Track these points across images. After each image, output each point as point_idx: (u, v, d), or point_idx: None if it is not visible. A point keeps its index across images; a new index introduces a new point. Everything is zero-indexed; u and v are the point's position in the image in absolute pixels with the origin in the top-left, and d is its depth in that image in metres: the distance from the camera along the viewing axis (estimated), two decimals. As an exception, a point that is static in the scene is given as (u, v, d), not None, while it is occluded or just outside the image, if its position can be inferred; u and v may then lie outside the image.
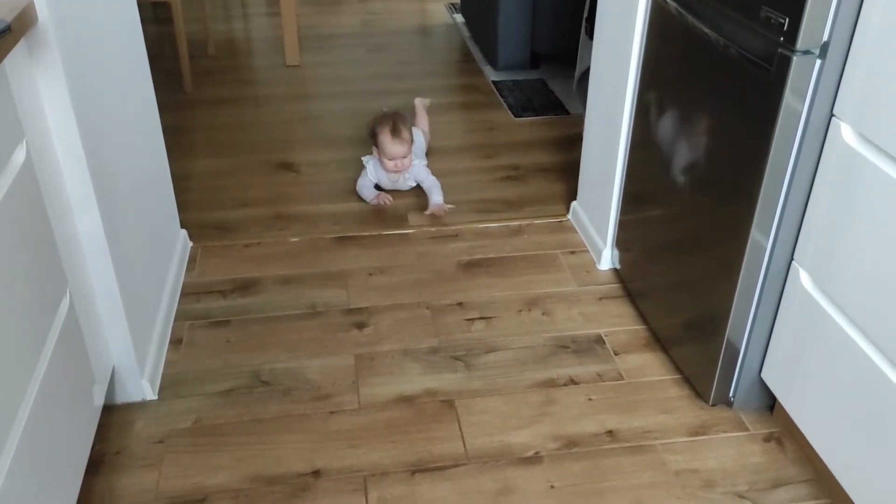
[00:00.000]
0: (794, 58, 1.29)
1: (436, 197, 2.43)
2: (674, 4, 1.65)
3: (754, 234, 1.46)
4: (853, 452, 1.36)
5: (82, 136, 1.39)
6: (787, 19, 1.28)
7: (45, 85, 1.32)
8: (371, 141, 2.50)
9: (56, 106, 1.34)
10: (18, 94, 1.24)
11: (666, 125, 1.75)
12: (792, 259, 1.48)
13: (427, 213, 2.40)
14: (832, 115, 1.33)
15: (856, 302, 1.31)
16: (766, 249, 1.48)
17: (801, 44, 1.27)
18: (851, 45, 1.26)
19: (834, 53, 1.27)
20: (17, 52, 1.24)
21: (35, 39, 1.28)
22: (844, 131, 1.30)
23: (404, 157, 2.44)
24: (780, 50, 1.31)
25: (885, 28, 1.18)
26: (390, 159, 2.43)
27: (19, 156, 1.20)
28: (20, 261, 1.17)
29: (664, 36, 1.74)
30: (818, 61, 1.29)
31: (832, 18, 1.25)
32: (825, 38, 1.27)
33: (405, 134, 2.44)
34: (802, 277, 1.45)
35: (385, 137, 2.43)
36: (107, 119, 1.56)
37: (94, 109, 1.48)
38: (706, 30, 1.53)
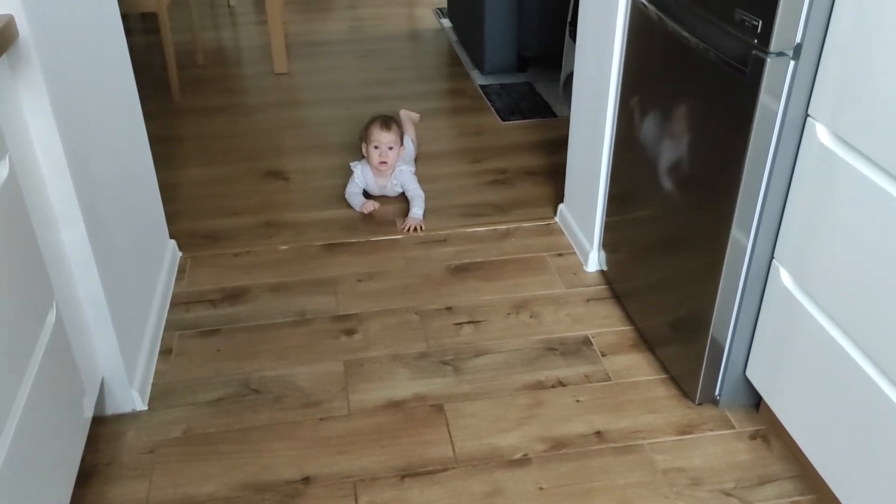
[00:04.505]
0: (768, 59, 1.30)
1: (416, 209, 2.42)
2: (653, 9, 1.67)
3: (735, 233, 1.47)
4: (836, 449, 1.37)
5: (66, 150, 1.40)
6: (761, 21, 1.29)
7: (28, 99, 1.33)
8: (361, 141, 2.52)
9: (39, 120, 1.35)
10: (1, 110, 1.25)
11: (648, 127, 1.76)
12: (772, 258, 1.50)
13: (402, 227, 2.38)
14: (807, 116, 1.35)
15: (835, 299, 1.33)
16: (746, 248, 1.50)
17: (774, 45, 1.29)
18: (824, 46, 1.28)
19: (807, 55, 1.29)
20: (-1, 68, 1.26)
21: (16, 54, 1.29)
22: (819, 131, 1.32)
23: (390, 149, 2.45)
24: (754, 52, 1.33)
25: (856, 29, 1.20)
26: (376, 147, 2.44)
27: (2, 171, 1.21)
28: (5, 274, 1.18)
29: (644, 40, 1.75)
30: (792, 62, 1.30)
31: (804, 20, 1.26)
32: (798, 39, 1.28)
33: (395, 127, 2.47)
34: (783, 276, 1.47)
35: (374, 127, 2.46)
36: (91, 131, 1.57)
37: (77, 122, 1.49)
38: (684, 33, 1.55)
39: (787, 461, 1.59)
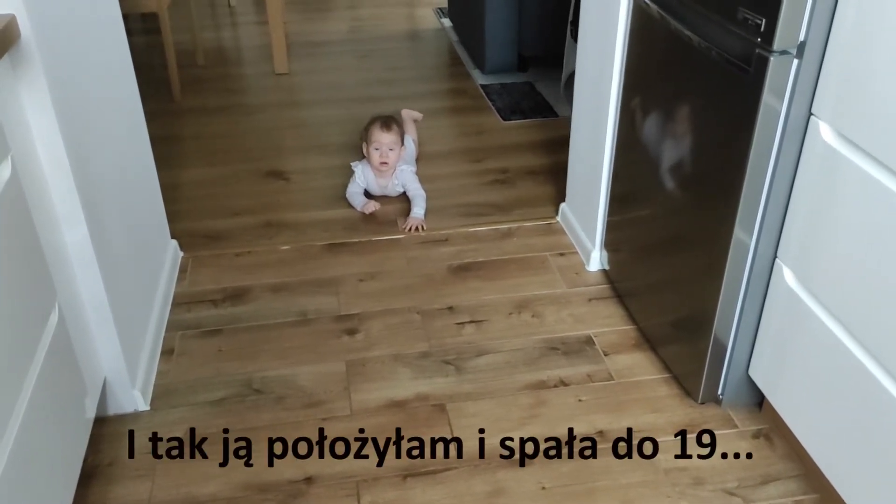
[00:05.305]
0: (772, 58, 1.30)
1: (417, 209, 2.42)
2: (655, 7, 1.67)
3: (738, 232, 1.47)
4: (840, 447, 1.37)
5: (68, 150, 1.39)
6: (764, 20, 1.29)
7: (30, 100, 1.33)
8: (362, 142, 2.52)
9: (41, 120, 1.35)
10: (3, 110, 1.25)
11: (650, 127, 1.76)
12: (775, 257, 1.50)
13: (403, 227, 2.38)
14: (811, 114, 1.34)
15: (838, 298, 1.32)
16: (749, 248, 1.49)
17: (777, 44, 1.29)
18: (827, 44, 1.28)
19: (811, 53, 1.29)
20: (0, 68, 1.25)
21: (18, 54, 1.29)
22: (823, 130, 1.32)
23: (391, 150, 2.45)
24: (757, 50, 1.33)
25: (860, 27, 1.20)
26: (376, 148, 2.44)
27: (5, 171, 1.21)
28: (7, 274, 1.17)
29: (646, 38, 1.75)
30: (795, 61, 1.30)
31: (808, 18, 1.26)
32: (801, 37, 1.28)
33: (395, 128, 2.47)
34: (786, 275, 1.47)
35: (374, 128, 2.46)
36: (93, 132, 1.57)
37: (79, 122, 1.48)
38: (687, 32, 1.55)
39: (790, 460, 1.59)
